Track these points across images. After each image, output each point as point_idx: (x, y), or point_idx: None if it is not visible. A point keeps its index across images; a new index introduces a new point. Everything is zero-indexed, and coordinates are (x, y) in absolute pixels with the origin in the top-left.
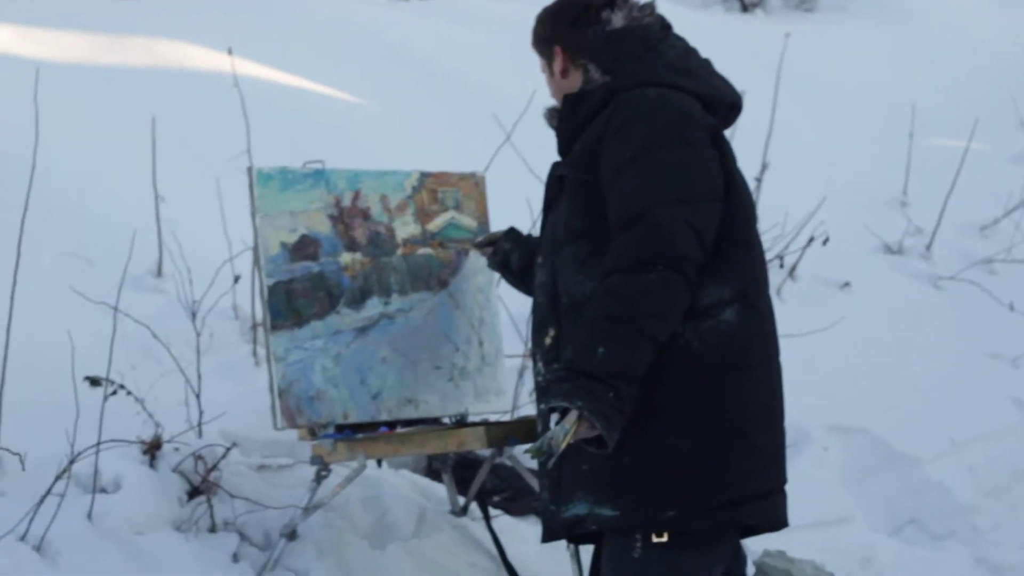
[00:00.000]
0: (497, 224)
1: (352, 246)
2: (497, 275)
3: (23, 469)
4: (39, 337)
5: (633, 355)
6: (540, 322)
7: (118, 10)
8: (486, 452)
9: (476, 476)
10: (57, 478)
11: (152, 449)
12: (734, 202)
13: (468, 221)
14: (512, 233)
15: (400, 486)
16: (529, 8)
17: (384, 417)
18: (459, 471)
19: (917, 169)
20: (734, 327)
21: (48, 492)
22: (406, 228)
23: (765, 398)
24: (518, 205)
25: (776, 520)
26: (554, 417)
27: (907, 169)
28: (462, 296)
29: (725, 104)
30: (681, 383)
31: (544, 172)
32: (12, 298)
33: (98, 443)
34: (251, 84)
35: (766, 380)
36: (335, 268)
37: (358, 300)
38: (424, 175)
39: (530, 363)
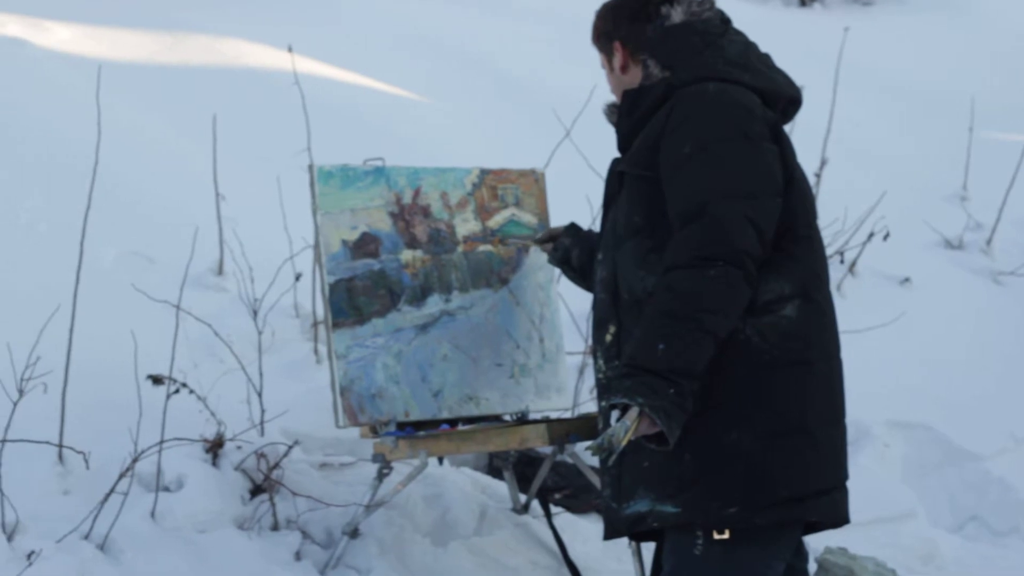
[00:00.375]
0: (557, 220)
1: (413, 243)
2: (557, 272)
3: (87, 468)
4: (102, 336)
5: (694, 351)
6: (601, 318)
7: (179, 9)
8: (547, 449)
9: (537, 473)
10: (120, 477)
11: (215, 447)
12: (794, 197)
13: (528, 218)
14: (573, 228)
15: (461, 484)
16: (586, 3)
17: (445, 415)
18: (520, 468)
19: (977, 163)
20: (795, 322)
21: (111, 491)
22: (466, 225)
23: (826, 394)
24: (578, 201)
25: (838, 516)
26: (615, 414)
27: (967, 164)
28: (522, 293)
29: (784, 98)
30: (742, 379)
31: (604, 168)
32: (75, 297)
33: (161, 442)
34: (311, 82)
35: (827, 376)
36: (396, 265)
37: (419, 297)
38: (484, 172)
39: (591, 360)
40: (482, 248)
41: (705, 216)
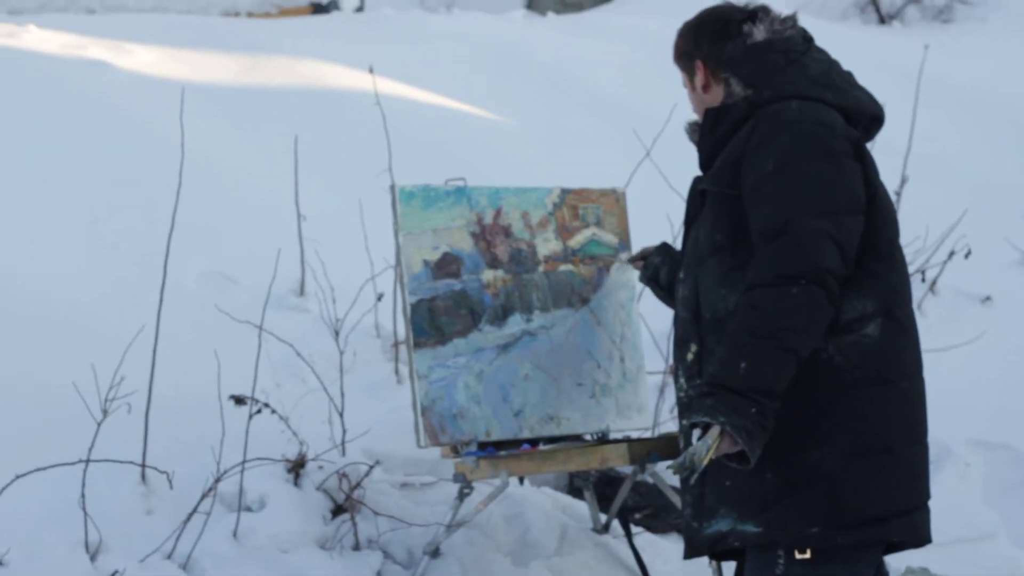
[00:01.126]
0: (638, 240)
1: (494, 263)
2: (638, 291)
3: (170, 488)
4: (185, 356)
5: (775, 370)
6: (682, 337)
7: (258, 31)
8: (628, 469)
9: (618, 493)
10: (203, 497)
11: (296, 467)
12: (876, 215)
13: (609, 237)
14: (664, 248)
15: (542, 503)
16: (664, 22)
17: (526, 434)
18: (600, 488)
19: None
20: (877, 341)
21: (194, 510)
22: (547, 245)
23: (907, 413)
24: (658, 220)
25: (919, 536)
26: (696, 432)
27: None
28: (603, 312)
29: (867, 116)
30: (824, 398)
31: (684, 187)
32: (158, 317)
33: (243, 461)
34: (392, 102)
35: (908, 395)
36: (477, 285)
37: (500, 317)
38: (565, 191)
39: (671, 380)
40: (563, 268)
41: (787, 234)
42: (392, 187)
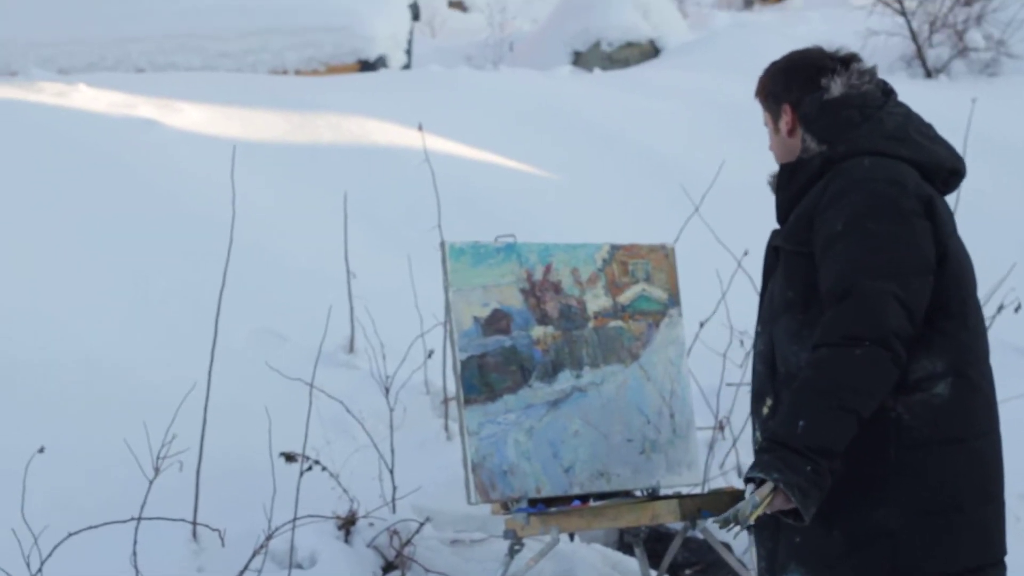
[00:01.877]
0: (687, 295)
1: (544, 320)
2: (688, 346)
3: (222, 545)
4: (235, 414)
5: (834, 429)
6: (758, 391)
7: (306, 89)
8: (678, 525)
9: (668, 549)
10: (255, 554)
11: (347, 524)
12: (947, 273)
13: (659, 293)
14: None
15: (592, 560)
16: (710, 78)
17: (576, 490)
18: (651, 544)
19: None
20: (947, 400)
21: (245, 567)
22: (597, 301)
23: (981, 471)
24: (708, 276)
25: None
26: (749, 487)
27: None
28: (653, 368)
29: (945, 170)
30: (892, 457)
31: (733, 242)
32: (209, 375)
33: (294, 519)
34: (440, 159)
35: (982, 452)
36: (527, 342)
37: (550, 373)
38: (614, 248)
39: (720, 435)
40: (613, 324)
41: (853, 295)
42: (442, 244)
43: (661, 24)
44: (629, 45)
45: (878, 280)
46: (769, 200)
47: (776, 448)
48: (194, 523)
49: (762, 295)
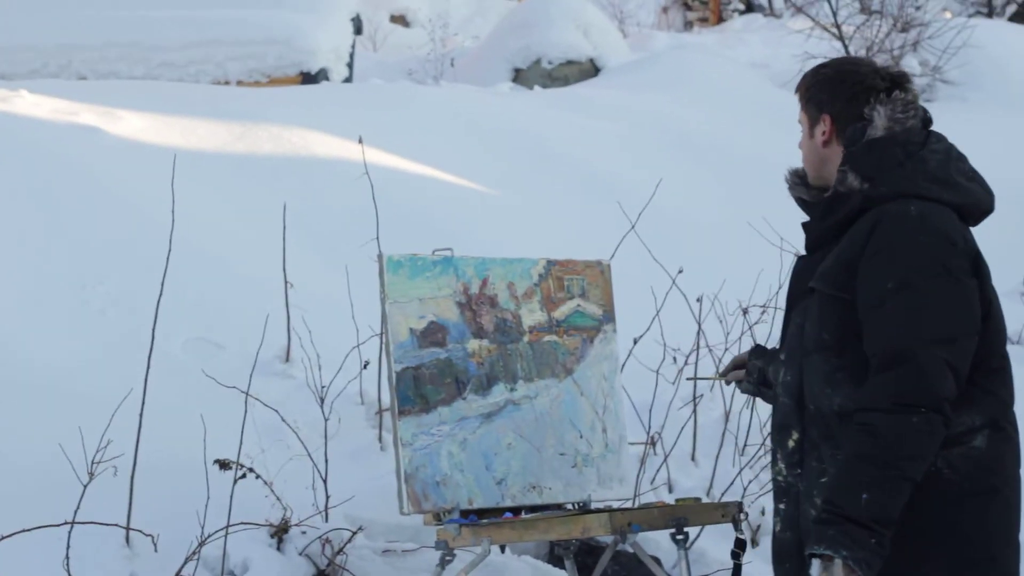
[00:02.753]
0: (622, 312)
1: (479, 333)
2: (622, 362)
3: (155, 551)
4: (171, 421)
5: (895, 499)
6: (783, 422)
7: (247, 100)
8: (608, 539)
9: (598, 563)
10: (187, 560)
11: (280, 532)
12: (991, 329)
13: (594, 309)
14: (759, 350)
15: (523, 572)
16: (649, 97)
17: (508, 503)
18: (581, 557)
19: None
20: (984, 452)
21: (178, 574)
22: (532, 316)
23: (1009, 517)
24: (643, 293)
25: None
26: (816, 562)
27: None
28: (587, 383)
29: (981, 211)
30: (933, 511)
31: (668, 259)
32: (145, 382)
33: (227, 526)
34: (380, 172)
35: (1011, 499)
36: (462, 355)
37: (485, 387)
38: (550, 263)
39: (651, 450)
40: (547, 338)
41: (908, 362)
42: (380, 256)
43: (601, 43)
44: (569, 63)
45: (932, 347)
46: (702, 221)
47: (840, 522)
48: (127, 528)
49: (787, 323)
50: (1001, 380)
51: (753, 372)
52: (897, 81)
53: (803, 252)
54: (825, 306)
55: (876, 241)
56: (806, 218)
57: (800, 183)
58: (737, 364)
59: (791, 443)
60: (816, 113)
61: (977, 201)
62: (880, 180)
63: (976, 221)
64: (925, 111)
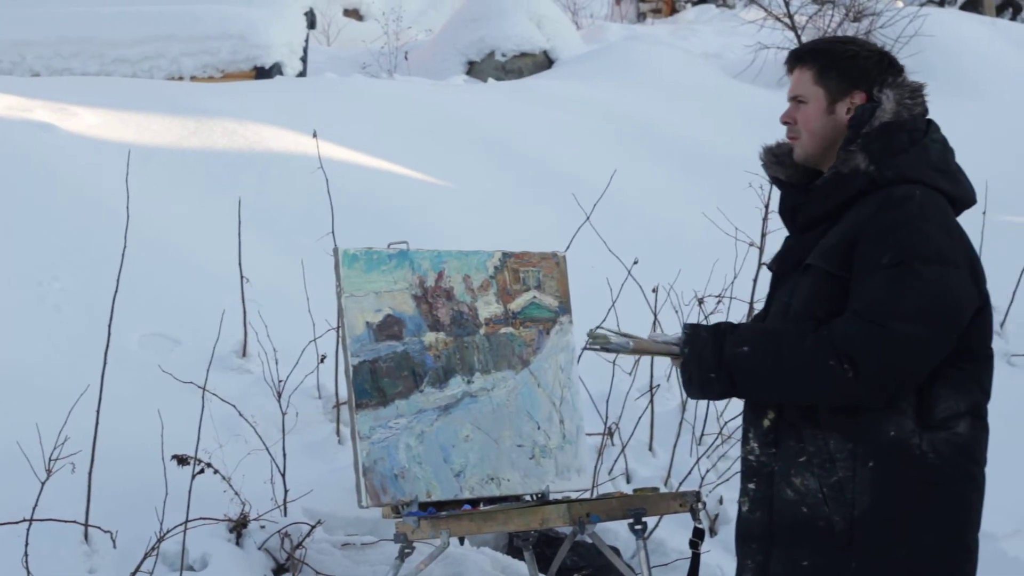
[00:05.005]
0: (578, 303)
1: (436, 326)
2: (578, 354)
3: (114, 547)
4: (128, 417)
5: (752, 380)
6: (759, 402)
7: (201, 95)
8: (567, 529)
9: (557, 554)
10: (145, 556)
11: (239, 527)
12: (984, 321)
13: (549, 300)
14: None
15: (482, 563)
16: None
17: (467, 495)
18: (540, 548)
19: (991, 246)
20: (966, 439)
21: (137, 569)
22: (488, 308)
23: (980, 503)
24: (599, 284)
25: None
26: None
27: (980, 246)
28: (543, 375)
29: (969, 204)
30: (913, 493)
31: (623, 251)
32: (102, 378)
33: (186, 521)
34: (335, 166)
35: (982, 487)
36: (419, 347)
37: (441, 379)
38: (506, 255)
39: (609, 441)
40: (504, 330)
41: (880, 331)
42: (335, 250)
43: (555, 35)
44: (523, 55)
45: (907, 323)
46: (657, 211)
47: (713, 339)
48: (86, 525)
49: (771, 300)
50: (985, 369)
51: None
52: (900, 69)
53: (758, 240)
54: (822, 284)
55: (879, 221)
56: (793, 205)
57: (776, 162)
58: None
59: (766, 422)
60: (847, 87)
61: (968, 194)
62: (886, 164)
63: (959, 213)
64: (925, 104)
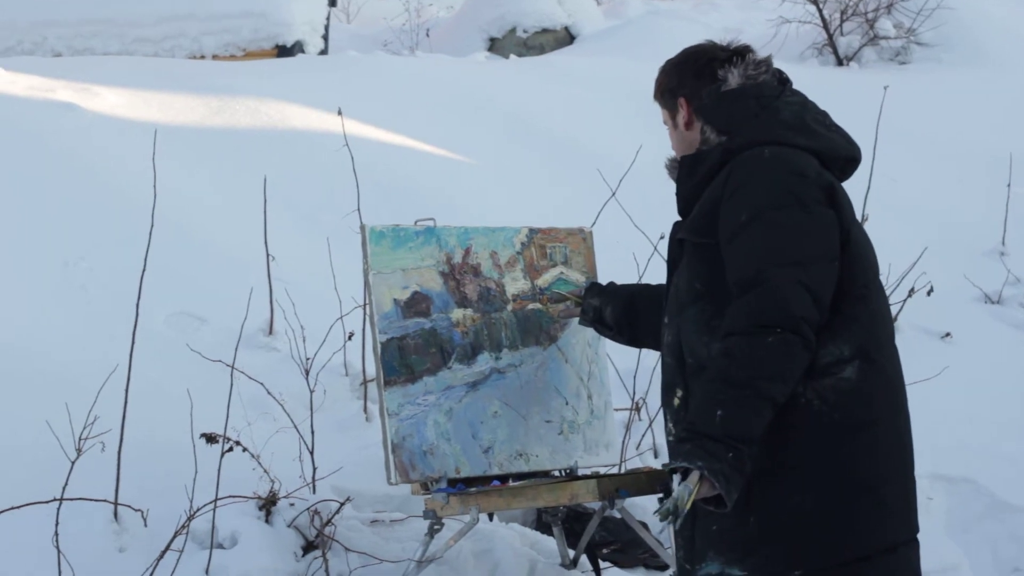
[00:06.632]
0: (605, 278)
1: (463, 302)
2: None
3: (144, 526)
4: (156, 395)
5: (752, 417)
6: (668, 382)
7: (224, 75)
8: (596, 505)
9: (586, 529)
10: (176, 534)
11: (268, 505)
12: (850, 259)
13: (576, 276)
14: (596, 288)
15: (511, 539)
16: (623, 64)
17: (495, 471)
18: (569, 524)
19: (1015, 219)
20: (855, 384)
21: (167, 548)
22: (516, 284)
23: (892, 451)
24: (625, 259)
25: (907, 571)
26: (676, 478)
27: (1005, 219)
28: (571, 350)
29: (842, 158)
30: (804, 442)
31: (649, 226)
32: (131, 357)
33: (215, 499)
34: (359, 144)
35: (892, 433)
36: (447, 324)
37: (469, 356)
38: (533, 231)
39: (636, 416)
40: (531, 306)
41: (761, 284)
42: (362, 227)
43: (576, 11)
44: (544, 31)
45: (784, 268)
46: None
47: (696, 437)
48: (116, 504)
49: (668, 287)
50: (866, 308)
51: (589, 311)
52: (739, 52)
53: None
54: (694, 256)
55: (731, 183)
56: None
57: (676, 167)
58: (575, 298)
59: (676, 401)
60: (672, 101)
61: (836, 148)
62: (736, 132)
63: (842, 170)
64: (781, 72)
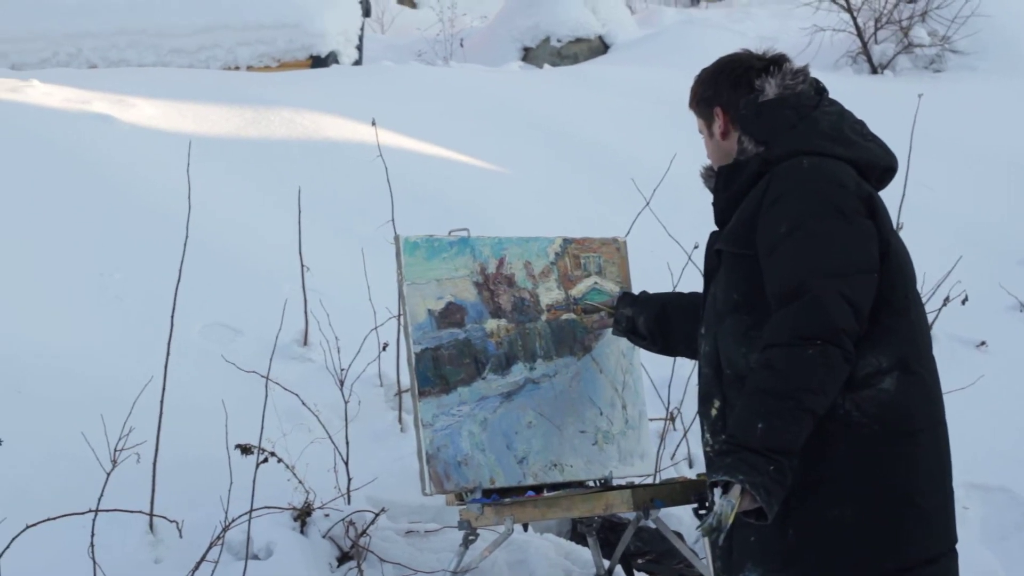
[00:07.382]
0: (639, 288)
1: (497, 313)
2: None
3: (179, 536)
4: (191, 406)
5: (792, 429)
6: (705, 393)
7: (258, 85)
8: (630, 515)
9: (621, 539)
10: (211, 545)
11: (303, 516)
12: (889, 268)
13: (611, 286)
14: (629, 298)
15: (546, 549)
16: (658, 73)
17: (530, 481)
18: (603, 534)
19: None
20: (894, 395)
21: (202, 559)
22: (550, 294)
23: (931, 462)
24: (659, 268)
25: None
26: (717, 491)
27: None
28: (605, 360)
29: (879, 168)
30: (843, 454)
31: (684, 236)
32: (165, 368)
33: (251, 510)
34: (393, 154)
35: (931, 444)
36: (481, 335)
37: (504, 366)
38: (567, 241)
39: (671, 426)
40: (565, 316)
41: (802, 296)
42: (396, 238)
43: (610, 20)
44: (578, 41)
45: (825, 279)
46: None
47: (737, 450)
48: (151, 515)
49: (704, 297)
50: (906, 319)
51: (622, 321)
52: (776, 61)
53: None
54: (732, 266)
55: (770, 194)
56: None
57: (711, 176)
58: (603, 309)
59: (713, 411)
60: (708, 111)
61: (873, 157)
62: (775, 142)
63: (879, 180)
64: (817, 81)
